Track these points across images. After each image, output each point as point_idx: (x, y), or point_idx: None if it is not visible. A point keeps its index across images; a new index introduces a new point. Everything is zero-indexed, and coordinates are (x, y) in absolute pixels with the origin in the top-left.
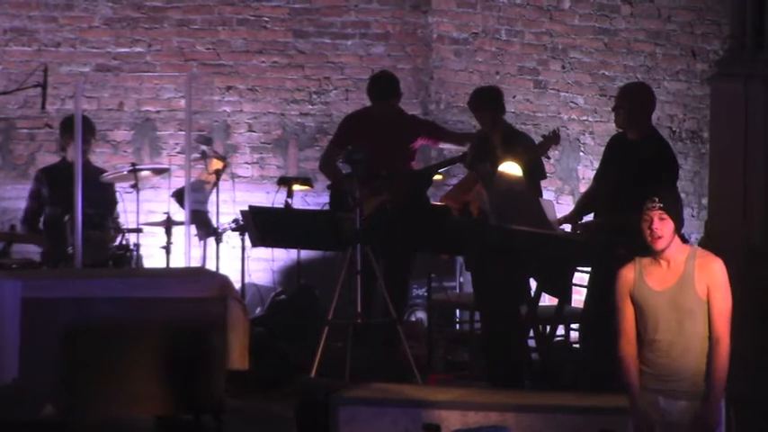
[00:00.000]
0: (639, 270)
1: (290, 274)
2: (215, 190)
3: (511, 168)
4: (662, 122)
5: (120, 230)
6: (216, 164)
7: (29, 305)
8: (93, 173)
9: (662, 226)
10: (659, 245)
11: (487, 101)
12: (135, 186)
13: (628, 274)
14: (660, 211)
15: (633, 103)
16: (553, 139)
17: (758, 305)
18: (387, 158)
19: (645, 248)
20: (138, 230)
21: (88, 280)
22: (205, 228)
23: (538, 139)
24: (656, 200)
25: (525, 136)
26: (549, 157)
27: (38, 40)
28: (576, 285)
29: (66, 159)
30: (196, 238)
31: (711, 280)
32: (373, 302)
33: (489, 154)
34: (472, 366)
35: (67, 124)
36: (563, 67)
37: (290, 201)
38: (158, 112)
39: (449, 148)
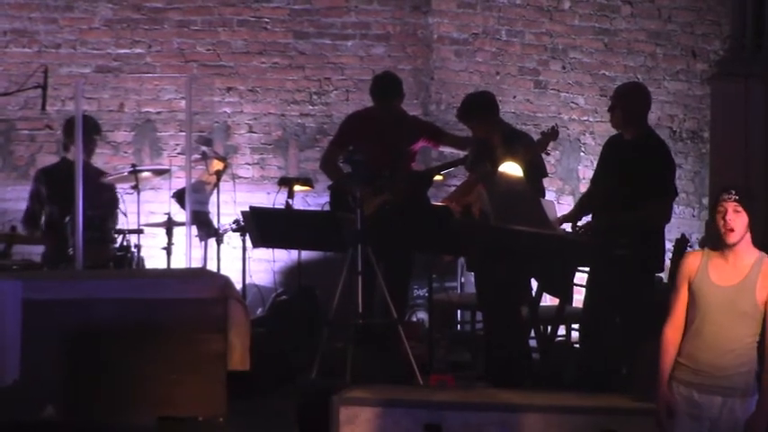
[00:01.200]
0: (705, 260)
1: (291, 275)
2: (216, 191)
3: (511, 169)
4: (662, 122)
5: (120, 232)
6: (216, 165)
7: (30, 306)
8: (93, 174)
9: (736, 218)
10: (731, 238)
11: (475, 109)
12: (135, 187)
13: (694, 260)
14: (736, 204)
15: (628, 104)
16: (551, 135)
17: None
18: (387, 159)
19: (644, 247)
20: (138, 231)
21: (89, 281)
22: (206, 228)
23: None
24: (733, 192)
25: (525, 135)
26: (548, 153)
27: (38, 42)
28: (577, 285)
29: (67, 159)
30: (197, 238)
31: None
32: (374, 303)
33: (490, 155)
34: (473, 367)
35: (72, 125)
36: (563, 68)
37: (290, 201)
38: (159, 113)
39: (449, 150)
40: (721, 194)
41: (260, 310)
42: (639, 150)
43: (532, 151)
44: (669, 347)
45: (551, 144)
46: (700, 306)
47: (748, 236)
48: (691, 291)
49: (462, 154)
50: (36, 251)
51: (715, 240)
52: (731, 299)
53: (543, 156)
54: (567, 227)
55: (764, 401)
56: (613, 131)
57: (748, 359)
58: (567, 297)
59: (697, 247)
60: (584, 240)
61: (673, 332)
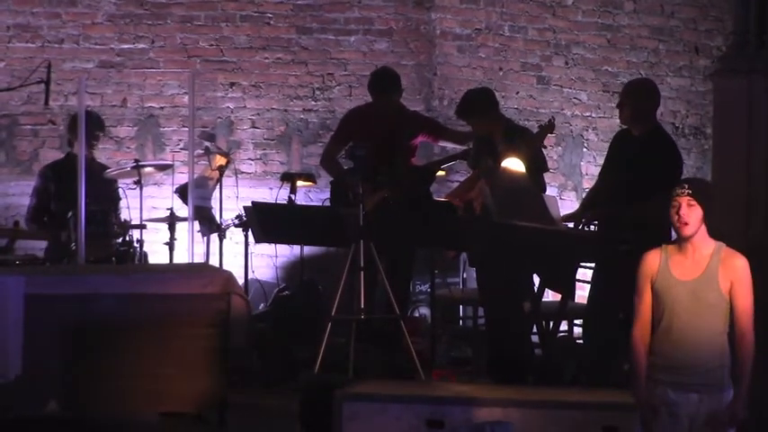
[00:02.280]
0: (665, 257)
1: (294, 270)
2: (218, 186)
3: (514, 164)
4: (665, 118)
5: (124, 227)
6: (219, 160)
7: (32, 301)
8: (97, 169)
9: (690, 212)
10: (686, 231)
11: (475, 106)
12: (138, 182)
13: (653, 259)
14: (689, 198)
15: (638, 100)
16: (548, 128)
17: (760, 300)
18: (387, 154)
19: (648, 243)
20: (141, 226)
21: (91, 276)
22: (208, 224)
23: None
24: (686, 186)
25: (526, 130)
26: (545, 147)
27: (41, 37)
28: (579, 281)
29: (73, 154)
30: (199, 234)
31: (735, 277)
32: (376, 298)
33: (492, 150)
34: (475, 362)
35: (76, 121)
36: (566, 63)
37: (293, 197)
38: (162, 108)
39: (451, 146)
40: (675, 189)
41: (262, 305)
42: (647, 146)
43: (533, 146)
44: (639, 348)
45: (551, 138)
46: (666, 303)
47: (704, 228)
48: (654, 289)
49: (463, 148)
50: (39, 246)
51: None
52: (695, 291)
53: (543, 150)
54: (571, 226)
55: (740, 388)
56: (618, 127)
57: (721, 353)
58: (569, 293)
59: None
60: (587, 236)
61: (641, 333)
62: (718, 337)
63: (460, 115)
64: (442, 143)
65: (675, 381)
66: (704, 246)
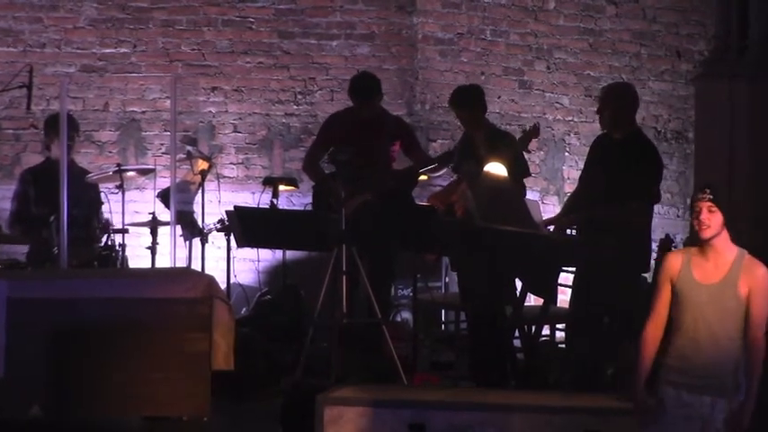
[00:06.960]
0: (687, 259)
1: (276, 275)
2: (200, 190)
3: (496, 168)
4: (647, 123)
5: (106, 230)
6: (201, 164)
7: (14, 305)
8: (78, 173)
9: (711, 217)
10: (707, 233)
11: (470, 98)
12: (120, 187)
13: (675, 260)
14: (710, 203)
15: (617, 104)
16: (533, 132)
17: None
18: (368, 158)
19: (629, 246)
20: (123, 231)
21: (74, 280)
22: (190, 228)
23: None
24: (708, 191)
25: (507, 134)
26: (529, 151)
27: (23, 41)
28: (561, 285)
29: (51, 159)
30: (181, 238)
31: (754, 284)
32: (357, 303)
33: (473, 153)
34: (457, 366)
35: (51, 122)
36: (548, 68)
37: (275, 201)
38: (143, 112)
39: (433, 148)
40: (696, 194)
41: (244, 309)
42: (627, 150)
43: (515, 150)
44: (649, 346)
45: (534, 142)
46: (687, 306)
47: (726, 233)
48: (675, 291)
49: (442, 152)
50: (20, 251)
51: (695, 240)
52: (715, 296)
53: (526, 154)
54: (552, 229)
55: (750, 394)
56: (600, 131)
57: (736, 358)
58: (551, 297)
59: (682, 247)
60: (569, 240)
61: (654, 331)
62: (734, 342)
63: (452, 104)
64: (409, 157)
65: (690, 383)
66: (727, 251)
